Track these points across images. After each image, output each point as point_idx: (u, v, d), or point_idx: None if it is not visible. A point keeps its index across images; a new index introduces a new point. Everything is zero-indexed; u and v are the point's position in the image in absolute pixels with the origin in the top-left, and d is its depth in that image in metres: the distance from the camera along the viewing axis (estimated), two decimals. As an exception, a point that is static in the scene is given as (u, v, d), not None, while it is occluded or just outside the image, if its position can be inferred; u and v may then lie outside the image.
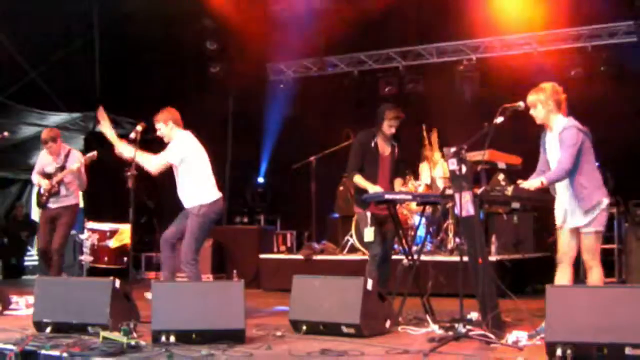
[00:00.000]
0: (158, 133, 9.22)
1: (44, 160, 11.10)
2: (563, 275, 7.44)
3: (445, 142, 11.82)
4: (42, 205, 10.90)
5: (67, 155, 10.91)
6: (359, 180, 8.81)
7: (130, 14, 14.58)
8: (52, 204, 10.84)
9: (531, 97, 7.57)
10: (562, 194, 7.42)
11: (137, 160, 8.97)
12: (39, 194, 10.99)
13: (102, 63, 14.98)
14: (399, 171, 9.30)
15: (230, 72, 16.86)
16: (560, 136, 7.34)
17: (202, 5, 15.42)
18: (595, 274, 7.28)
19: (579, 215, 7.28)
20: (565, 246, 7.46)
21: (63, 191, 10.84)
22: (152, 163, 9.08)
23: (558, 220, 7.52)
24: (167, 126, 9.23)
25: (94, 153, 10.74)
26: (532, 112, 7.57)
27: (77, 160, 10.73)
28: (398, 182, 9.21)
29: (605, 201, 7.31)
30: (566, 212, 7.41)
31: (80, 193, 11.08)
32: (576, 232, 7.36)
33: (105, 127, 9.18)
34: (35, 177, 11.04)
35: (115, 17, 14.76)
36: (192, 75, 16.36)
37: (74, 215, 10.98)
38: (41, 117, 15.74)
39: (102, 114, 9.24)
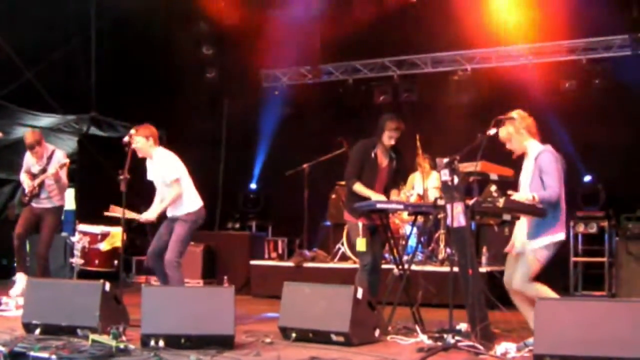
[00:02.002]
0: (134, 146, 9.22)
1: (29, 160, 11.19)
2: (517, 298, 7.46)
3: (438, 152, 11.84)
4: (24, 205, 11.11)
5: (50, 157, 10.98)
6: (359, 188, 8.80)
7: (127, 17, 14.57)
8: (35, 204, 10.92)
9: (502, 133, 7.56)
10: (523, 222, 7.44)
11: (167, 207, 9.24)
12: (22, 194, 11.07)
13: (98, 66, 14.95)
14: (396, 182, 9.30)
15: (226, 77, 16.87)
16: (537, 161, 7.33)
17: (199, 10, 15.43)
18: (538, 292, 7.16)
19: (530, 240, 7.27)
20: (511, 270, 7.46)
21: (43, 194, 10.92)
22: (173, 196, 9.24)
23: (515, 249, 7.50)
24: (147, 142, 9.28)
25: (66, 161, 10.80)
26: (508, 146, 7.58)
27: (57, 163, 10.77)
28: (394, 193, 9.22)
29: (559, 237, 7.27)
30: (522, 238, 7.41)
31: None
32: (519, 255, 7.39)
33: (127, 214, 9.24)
34: (22, 176, 11.17)
35: (112, 21, 14.75)
36: (188, 79, 16.34)
37: (56, 217, 11.04)
38: (35, 118, 15.70)
39: (114, 210, 9.33)
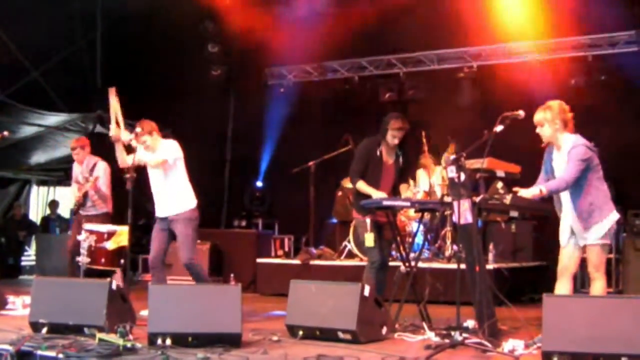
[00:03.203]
0: (146, 144, 9.24)
1: (76, 169, 11.41)
2: (562, 287, 7.44)
3: (444, 149, 11.83)
4: (74, 213, 11.26)
5: (92, 168, 11.05)
6: (362, 186, 8.78)
7: (132, 16, 14.59)
8: (82, 212, 11.03)
9: (538, 116, 7.53)
10: (568, 213, 7.42)
11: (136, 149, 9.16)
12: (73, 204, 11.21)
13: (104, 64, 14.97)
14: (404, 179, 9.28)
15: (231, 75, 16.88)
16: (570, 154, 7.31)
17: (204, 9, 15.44)
18: (598, 285, 7.29)
19: (585, 232, 7.29)
20: (566, 260, 7.47)
21: (88, 202, 10.99)
22: (151, 156, 9.20)
23: (563, 241, 7.51)
24: (152, 137, 9.29)
25: (97, 176, 10.86)
26: (538, 130, 7.54)
27: (96, 175, 10.87)
28: (404, 187, 9.18)
29: (613, 217, 7.31)
30: (572, 232, 7.41)
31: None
32: (582, 247, 7.37)
33: (113, 107, 9.26)
34: (72, 186, 11.42)
35: (118, 19, 14.77)
36: (193, 77, 16.34)
37: (101, 223, 11.02)
38: (41, 117, 15.73)
39: (112, 93, 9.33)
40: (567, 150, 7.37)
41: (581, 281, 13.25)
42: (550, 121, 7.46)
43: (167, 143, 9.37)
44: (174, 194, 9.24)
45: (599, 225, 7.25)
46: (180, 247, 9.12)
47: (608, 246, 7.38)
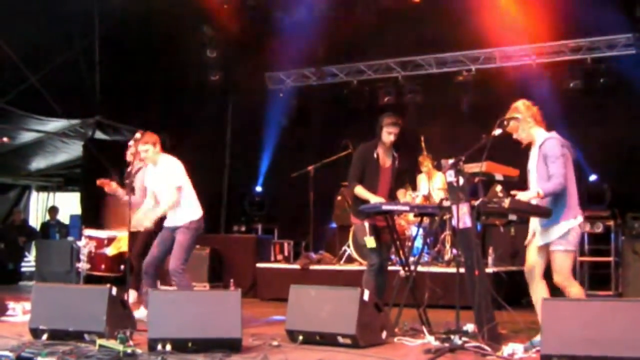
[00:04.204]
0: (144, 155, 9.25)
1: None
2: (537, 289, 7.44)
3: (443, 153, 11.83)
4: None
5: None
6: (360, 191, 8.80)
7: (131, 21, 14.59)
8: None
9: (511, 124, 7.56)
10: None
11: (159, 214, 9.26)
12: None
13: (102, 70, 14.96)
14: (401, 182, 9.30)
15: (230, 80, 16.89)
16: (541, 148, 7.34)
17: (203, 13, 15.45)
18: (572, 292, 7.20)
19: (545, 230, 7.29)
20: (531, 261, 7.49)
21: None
22: (168, 203, 9.24)
23: (529, 236, 7.54)
24: (154, 149, 9.29)
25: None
26: (515, 136, 7.57)
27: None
28: (401, 193, 9.21)
29: (578, 220, 7.28)
30: (535, 231, 7.43)
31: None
32: (545, 249, 7.36)
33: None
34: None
35: (116, 24, 14.76)
36: (192, 83, 16.36)
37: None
38: (40, 123, 15.74)
39: (102, 182, 9.35)
40: (538, 145, 7.40)
41: (581, 285, 13.30)
42: (522, 121, 7.48)
43: (170, 163, 9.39)
44: (181, 206, 9.26)
45: (558, 226, 7.22)
46: (173, 253, 9.14)
47: (572, 254, 7.30)
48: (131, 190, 9.36)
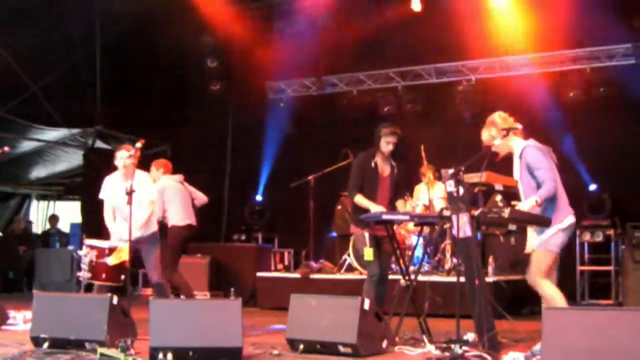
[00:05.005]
0: (129, 162, 9.37)
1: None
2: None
3: (443, 163, 11.85)
4: None
5: None
6: (360, 200, 8.81)
7: (132, 31, 14.64)
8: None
9: (485, 136, 7.61)
10: None
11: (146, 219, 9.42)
12: None
13: (103, 80, 15.01)
14: (400, 192, 9.31)
15: (231, 89, 16.93)
16: (522, 159, 7.36)
17: (203, 23, 15.49)
18: (547, 292, 7.21)
19: (537, 234, 7.32)
20: None
21: None
22: (146, 218, 9.47)
23: (528, 245, 7.56)
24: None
25: None
26: (494, 149, 7.59)
27: None
28: (400, 203, 9.22)
29: (567, 222, 7.29)
30: (533, 236, 7.46)
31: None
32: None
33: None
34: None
35: (117, 34, 14.81)
36: (193, 92, 16.39)
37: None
38: (41, 132, 15.77)
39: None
40: (518, 154, 7.43)
41: (581, 294, 13.33)
42: (497, 135, 7.50)
43: (148, 179, 9.68)
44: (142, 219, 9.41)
45: (549, 230, 7.24)
46: (153, 269, 9.57)
47: (555, 256, 7.30)
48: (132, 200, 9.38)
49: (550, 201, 7.24)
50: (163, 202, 10.36)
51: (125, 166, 9.35)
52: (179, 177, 10.81)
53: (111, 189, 9.48)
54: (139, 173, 9.44)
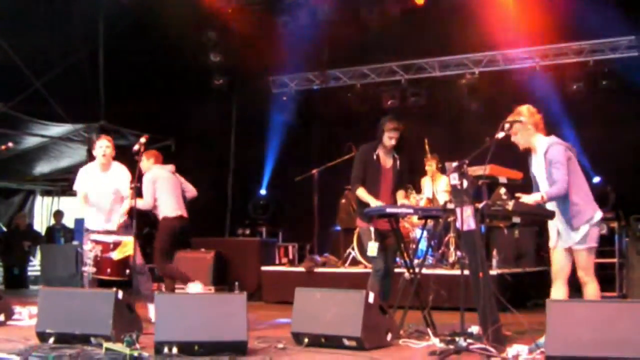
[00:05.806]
0: (109, 152, 9.60)
1: None
2: (558, 292, 7.50)
3: (447, 156, 11.85)
4: None
5: None
6: (361, 193, 8.81)
7: (135, 25, 14.62)
8: None
9: (508, 125, 7.59)
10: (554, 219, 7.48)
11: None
12: None
13: (106, 75, 15.00)
14: (402, 182, 9.29)
15: (234, 84, 16.93)
16: (547, 155, 7.37)
17: (206, 18, 15.48)
18: (590, 289, 7.38)
19: (571, 233, 7.35)
20: (558, 264, 7.54)
21: None
22: (127, 207, 9.61)
23: (551, 241, 7.58)
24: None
25: None
26: (513, 139, 7.59)
27: None
28: (400, 194, 9.20)
29: (597, 216, 7.39)
30: (559, 232, 7.47)
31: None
32: (569, 250, 7.42)
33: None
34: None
35: (120, 29, 14.80)
36: (196, 87, 16.39)
37: None
38: (45, 127, 15.76)
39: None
40: (543, 151, 7.43)
41: (575, 284, 13.33)
42: (522, 128, 7.51)
43: (124, 170, 9.76)
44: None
45: (579, 231, 7.32)
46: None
47: (595, 249, 7.45)
48: (137, 194, 9.40)
49: (575, 204, 7.30)
50: (154, 191, 10.26)
51: (104, 155, 9.41)
52: (171, 167, 10.67)
53: (85, 181, 9.56)
54: (116, 165, 9.51)
